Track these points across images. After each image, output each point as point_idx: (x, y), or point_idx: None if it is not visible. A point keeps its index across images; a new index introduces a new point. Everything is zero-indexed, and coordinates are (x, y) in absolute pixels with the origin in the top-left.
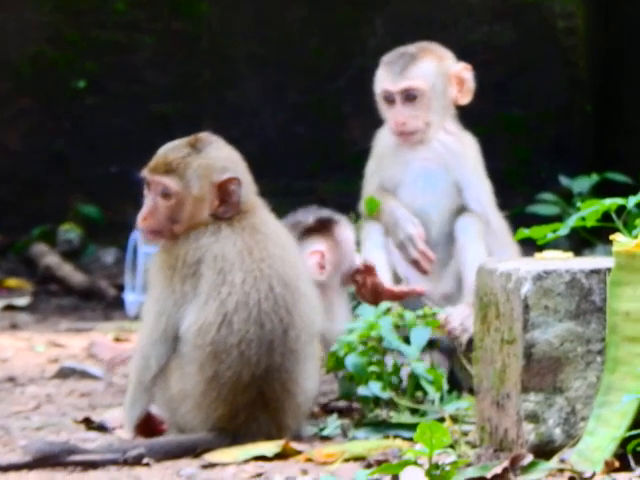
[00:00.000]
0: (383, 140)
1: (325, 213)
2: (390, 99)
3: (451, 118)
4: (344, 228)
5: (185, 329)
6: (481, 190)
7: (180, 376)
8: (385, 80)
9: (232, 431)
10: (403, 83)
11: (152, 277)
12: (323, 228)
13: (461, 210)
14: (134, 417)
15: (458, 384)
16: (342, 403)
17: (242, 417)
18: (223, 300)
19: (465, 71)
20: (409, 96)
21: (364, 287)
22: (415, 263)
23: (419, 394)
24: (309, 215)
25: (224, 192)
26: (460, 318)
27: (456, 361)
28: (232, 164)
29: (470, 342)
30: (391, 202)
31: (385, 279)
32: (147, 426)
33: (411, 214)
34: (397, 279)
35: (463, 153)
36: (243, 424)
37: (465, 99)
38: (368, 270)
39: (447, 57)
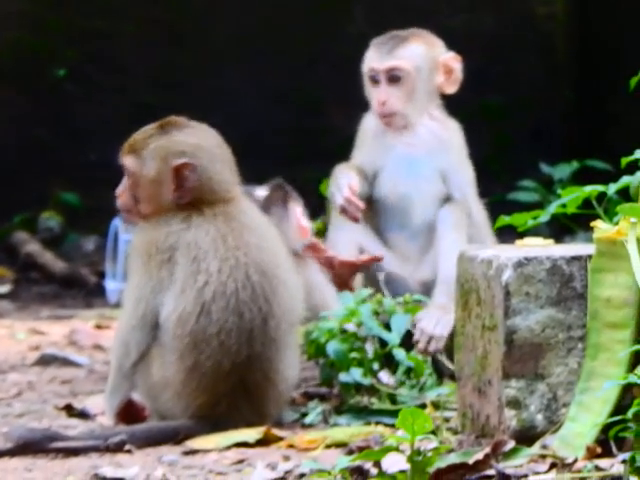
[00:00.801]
0: (367, 124)
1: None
2: (376, 79)
3: (436, 105)
4: (294, 200)
5: (164, 318)
6: (464, 177)
7: (161, 364)
8: (372, 59)
9: (213, 419)
10: (389, 62)
11: (130, 263)
12: (277, 195)
13: (443, 197)
14: (115, 404)
15: (439, 370)
16: (323, 390)
17: (223, 405)
18: (200, 289)
19: (454, 60)
20: (394, 77)
21: (321, 264)
22: (343, 210)
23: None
24: (264, 189)
25: (179, 177)
26: (429, 331)
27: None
28: (193, 149)
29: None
30: (341, 167)
31: (345, 254)
32: (129, 413)
33: (392, 200)
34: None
35: (448, 139)
36: (224, 412)
37: (451, 88)
38: (313, 248)
39: (437, 45)
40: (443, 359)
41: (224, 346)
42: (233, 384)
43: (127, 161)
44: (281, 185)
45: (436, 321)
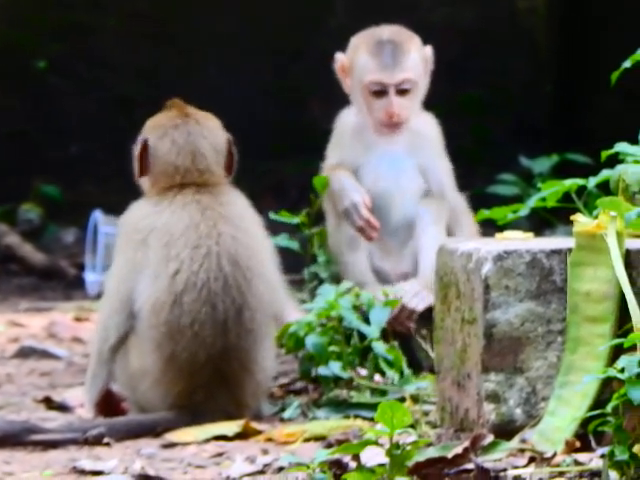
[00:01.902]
0: (345, 121)
1: None
2: (381, 91)
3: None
4: None
5: (140, 306)
6: (443, 172)
7: (139, 354)
8: (376, 71)
9: (191, 408)
10: (399, 75)
11: (115, 249)
12: None
13: (423, 192)
14: (95, 392)
15: (418, 364)
16: (302, 383)
17: (201, 395)
18: (171, 277)
19: (429, 53)
20: (403, 89)
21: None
22: (360, 230)
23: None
24: None
25: (142, 155)
26: (412, 293)
27: (415, 341)
28: (153, 128)
29: (428, 311)
30: (339, 172)
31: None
32: (107, 404)
33: (372, 196)
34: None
35: (427, 135)
36: (202, 401)
37: (427, 80)
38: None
39: (420, 42)
40: (428, 348)
41: (198, 337)
42: (210, 374)
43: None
44: None
45: (415, 293)
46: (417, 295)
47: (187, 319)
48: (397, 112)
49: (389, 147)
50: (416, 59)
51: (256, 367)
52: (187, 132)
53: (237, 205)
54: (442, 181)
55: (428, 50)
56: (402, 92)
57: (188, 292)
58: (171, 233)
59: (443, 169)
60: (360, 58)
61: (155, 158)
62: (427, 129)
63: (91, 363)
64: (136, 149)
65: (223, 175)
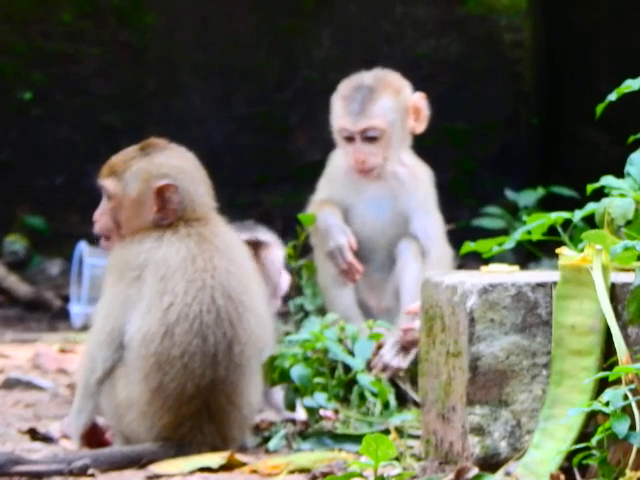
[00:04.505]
0: (336, 161)
1: (255, 233)
2: (349, 137)
3: (407, 148)
4: (270, 250)
5: (130, 337)
6: (428, 222)
7: (126, 384)
8: (343, 118)
9: (177, 441)
10: (363, 123)
11: (104, 281)
12: (250, 249)
13: (407, 235)
14: (81, 425)
15: (403, 396)
16: (287, 415)
17: (187, 427)
18: (165, 309)
19: (421, 100)
20: (369, 137)
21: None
22: (344, 273)
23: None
24: (242, 234)
25: (161, 198)
26: (387, 359)
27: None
28: (175, 171)
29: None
30: (326, 210)
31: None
32: (93, 436)
33: (358, 235)
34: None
35: (413, 185)
36: (188, 434)
37: (421, 127)
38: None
39: (404, 88)
40: (406, 388)
41: (188, 369)
42: (197, 407)
43: (107, 183)
44: (252, 240)
45: (397, 352)
46: (397, 355)
47: (177, 350)
48: (362, 159)
49: (376, 192)
50: (387, 106)
51: (243, 401)
52: (202, 171)
53: (229, 237)
54: (427, 231)
55: (415, 96)
56: (370, 139)
57: (180, 324)
58: (168, 266)
59: (428, 219)
60: (335, 103)
61: (185, 200)
62: (414, 180)
63: (77, 396)
64: (149, 194)
65: (212, 208)
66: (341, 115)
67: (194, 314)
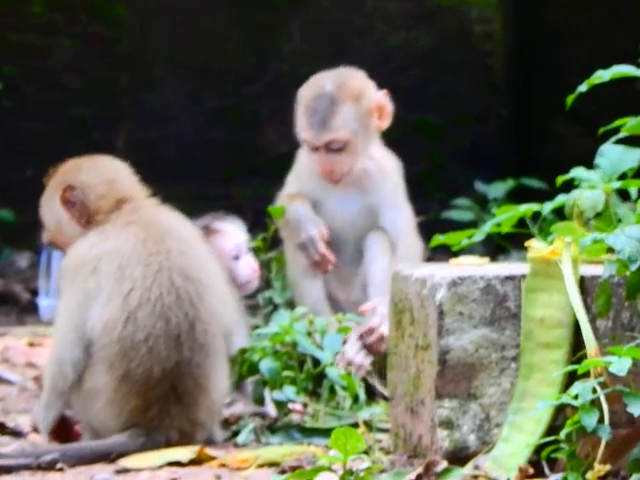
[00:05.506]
0: (305, 159)
1: (208, 221)
2: (314, 147)
3: (375, 143)
4: (219, 236)
5: (92, 328)
6: (397, 215)
7: (91, 375)
8: (306, 131)
9: (145, 427)
10: (326, 137)
11: (60, 283)
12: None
13: (376, 229)
14: (49, 420)
15: (372, 390)
16: (256, 408)
17: (154, 411)
18: (126, 295)
19: (383, 98)
20: (334, 147)
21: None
22: (316, 264)
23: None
24: (198, 222)
25: (68, 204)
26: (350, 356)
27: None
28: (69, 174)
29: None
30: (296, 202)
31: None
32: (62, 429)
33: (328, 229)
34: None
35: (382, 179)
36: (156, 417)
37: (386, 124)
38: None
39: (365, 91)
40: (374, 382)
41: (153, 352)
42: (164, 390)
43: (42, 213)
44: (206, 226)
45: (360, 348)
46: (360, 351)
47: (142, 334)
48: (330, 169)
49: (345, 186)
50: (348, 117)
51: (210, 384)
52: (112, 163)
53: (173, 220)
54: (396, 224)
55: (377, 95)
56: (334, 150)
57: (142, 308)
58: (121, 254)
59: (397, 212)
60: (298, 112)
61: (89, 194)
62: (381, 173)
63: (45, 393)
64: (59, 206)
65: (143, 196)
66: (304, 127)
67: (155, 297)
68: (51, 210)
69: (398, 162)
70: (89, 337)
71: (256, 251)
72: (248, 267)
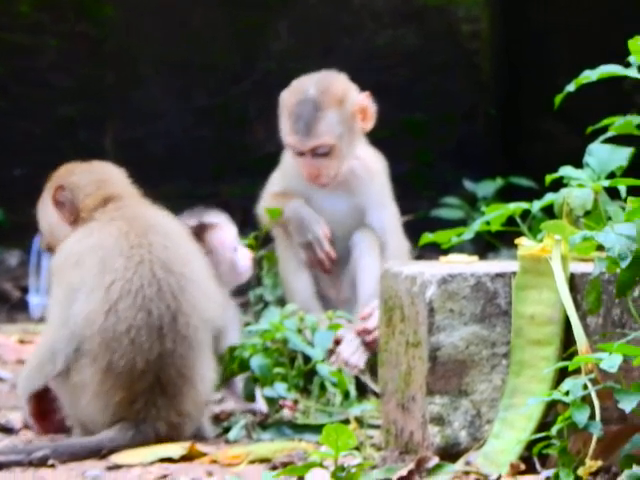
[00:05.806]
0: (290, 159)
1: (199, 217)
2: (300, 152)
3: (360, 142)
4: (217, 230)
5: (74, 321)
6: (384, 214)
7: (77, 368)
8: (291, 136)
9: (132, 419)
10: (311, 142)
11: (51, 280)
12: (197, 234)
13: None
14: (30, 389)
15: (363, 386)
16: (247, 405)
17: (141, 403)
18: (107, 288)
19: (366, 99)
20: (319, 152)
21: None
22: (319, 263)
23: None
24: (189, 220)
25: (59, 205)
26: (345, 356)
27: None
28: (60, 176)
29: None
30: (294, 201)
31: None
32: (42, 401)
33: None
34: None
35: (368, 178)
36: (142, 409)
37: (370, 124)
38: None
39: (348, 94)
40: (366, 379)
41: (135, 344)
42: (149, 382)
43: (38, 219)
44: (197, 224)
45: (355, 348)
46: (356, 351)
47: (123, 326)
48: (315, 174)
49: (331, 185)
50: (333, 122)
51: (195, 375)
52: (100, 163)
53: (158, 215)
54: (383, 223)
55: (360, 98)
56: (320, 154)
57: (123, 299)
58: (104, 248)
59: (383, 211)
60: (282, 117)
61: (78, 193)
62: (367, 173)
63: (28, 368)
64: (53, 208)
65: (132, 194)
66: (288, 133)
67: (136, 288)
68: (45, 213)
69: (384, 161)
70: (75, 330)
71: (248, 249)
72: (246, 256)
